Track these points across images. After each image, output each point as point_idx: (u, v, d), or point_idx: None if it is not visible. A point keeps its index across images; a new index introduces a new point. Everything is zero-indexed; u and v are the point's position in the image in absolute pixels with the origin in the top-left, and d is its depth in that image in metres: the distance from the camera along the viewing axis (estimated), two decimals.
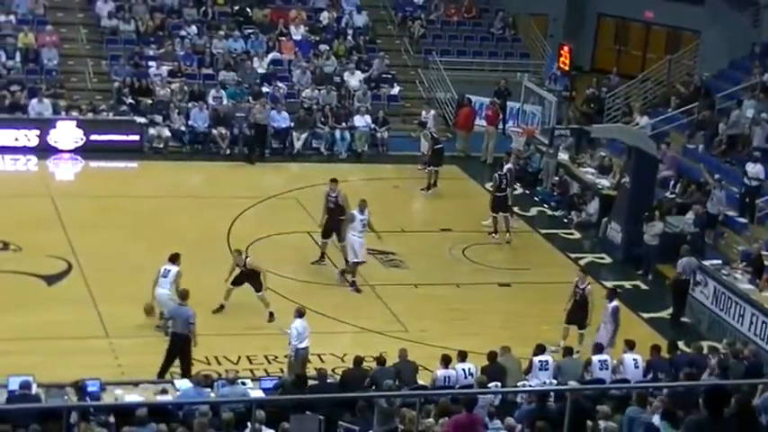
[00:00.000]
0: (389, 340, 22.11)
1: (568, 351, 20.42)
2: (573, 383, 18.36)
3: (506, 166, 29.00)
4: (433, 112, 34.49)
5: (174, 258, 22.01)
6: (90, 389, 17.53)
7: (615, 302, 22.43)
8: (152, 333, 21.57)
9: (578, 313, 22.78)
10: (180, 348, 20.25)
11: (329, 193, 25.53)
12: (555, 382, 19.24)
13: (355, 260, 24.93)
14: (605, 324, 22.23)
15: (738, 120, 31.14)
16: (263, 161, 33.08)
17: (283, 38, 37.58)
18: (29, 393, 16.94)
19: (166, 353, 20.29)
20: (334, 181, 25.92)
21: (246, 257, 22.90)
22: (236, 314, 22.85)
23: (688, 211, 27.76)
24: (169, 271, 21.78)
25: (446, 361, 19.23)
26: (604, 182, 30.76)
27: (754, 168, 28.53)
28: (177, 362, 20.20)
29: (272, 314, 22.74)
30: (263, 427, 15.41)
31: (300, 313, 20.47)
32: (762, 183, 28.46)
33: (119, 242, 26.17)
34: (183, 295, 20.65)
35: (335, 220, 25.36)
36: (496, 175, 28.81)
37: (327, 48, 37.45)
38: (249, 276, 22.82)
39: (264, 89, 35.12)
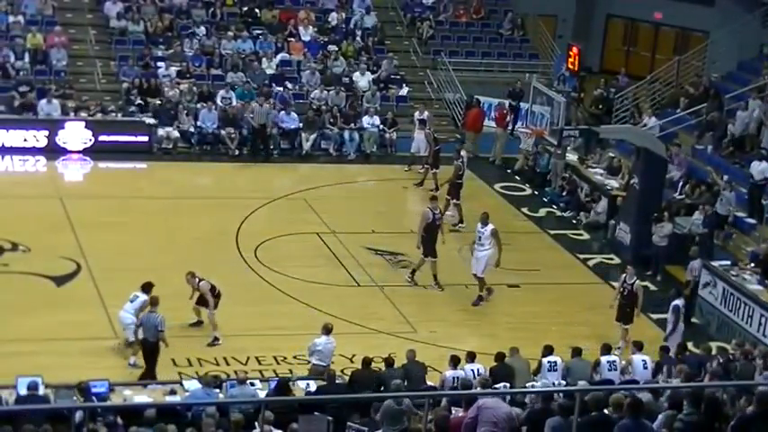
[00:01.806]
0: (398, 341, 22.13)
1: (577, 352, 20.38)
2: (582, 384, 18.32)
3: (462, 153, 29.48)
4: (426, 112, 34.29)
5: (147, 287, 21.13)
6: (95, 390, 17.49)
7: (677, 301, 22.62)
8: None
9: (627, 309, 22.90)
10: (150, 352, 20.33)
11: (433, 211, 25.28)
12: (564, 383, 19.20)
13: (477, 274, 24.81)
14: (670, 323, 22.46)
15: (745, 120, 31.10)
16: (271, 161, 33.08)
17: (292, 39, 37.56)
18: (36, 394, 16.94)
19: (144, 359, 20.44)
20: (434, 199, 26.12)
21: (200, 281, 21.98)
22: (244, 315, 22.84)
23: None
24: (137, 297, 21.04)
25: (455, 362, 19.22)
26: (613, 183, 30.75)
27: (759, 166, 28.49)
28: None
29: (216, 339, 21.92)
30: (272, 428, 15.39)
31: (327, 330, 20.21)
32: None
33: (127, 243, 26.18)
34: (154, 302, 20.48)
35: (436, 236, 25.29)
36: (459, 162, 29.01)
37: (336, 49, 37.44)
38: (200, 299, 22.07)
39: (277, 88, 35.11)
